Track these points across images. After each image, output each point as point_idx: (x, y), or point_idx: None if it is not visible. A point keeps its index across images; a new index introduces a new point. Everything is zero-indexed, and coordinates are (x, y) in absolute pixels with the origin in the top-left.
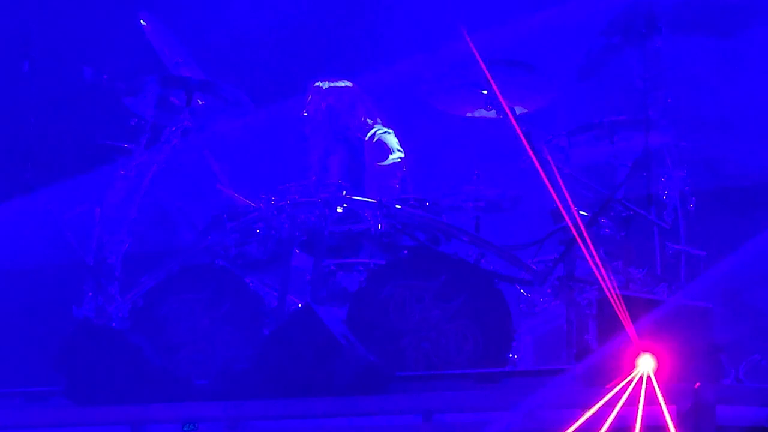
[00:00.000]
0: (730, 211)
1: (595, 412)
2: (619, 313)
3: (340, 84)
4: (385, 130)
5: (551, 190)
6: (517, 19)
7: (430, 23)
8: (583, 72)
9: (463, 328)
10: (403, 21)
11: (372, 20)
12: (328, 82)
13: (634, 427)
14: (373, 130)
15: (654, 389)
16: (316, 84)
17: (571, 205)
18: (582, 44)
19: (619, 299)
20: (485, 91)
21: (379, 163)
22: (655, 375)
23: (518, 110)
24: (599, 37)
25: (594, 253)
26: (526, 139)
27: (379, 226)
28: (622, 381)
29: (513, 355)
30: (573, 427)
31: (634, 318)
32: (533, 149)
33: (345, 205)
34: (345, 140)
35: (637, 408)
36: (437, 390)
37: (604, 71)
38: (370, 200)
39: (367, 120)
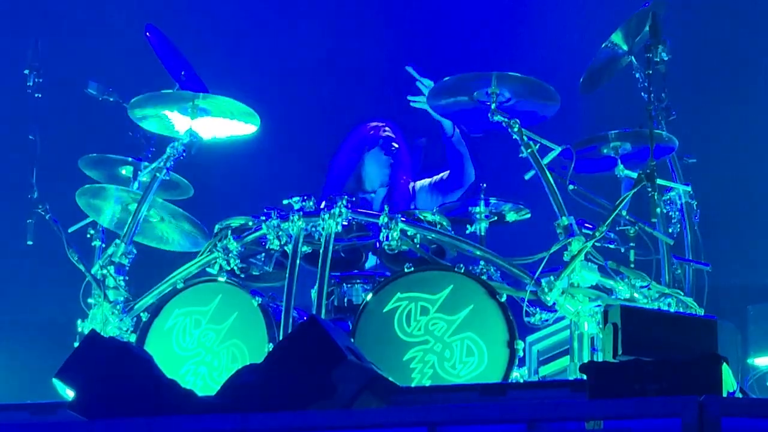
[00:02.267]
0: (735, 224)
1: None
2: (623, 325)
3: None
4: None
5: (556, 203)
6: (521, 32)
7: (434, 33)
8: (587, 84)
9: (468, 341)
10: (410, 32)
11: (378, 30)
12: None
13: None
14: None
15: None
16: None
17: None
18: (586, 57)
19: (624, 311)
20: (491, 104)
21: None
22: (658, 388)
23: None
24: (603, 50)
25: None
26: (531, 152)
27: (384, 238)
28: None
29: (518, 368)
30: None
31: (638, 330)
32: (538, 162)
33: (350, 218)
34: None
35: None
36: (442, 402)
37: (608, 84)
38: (374, 213)
39: None
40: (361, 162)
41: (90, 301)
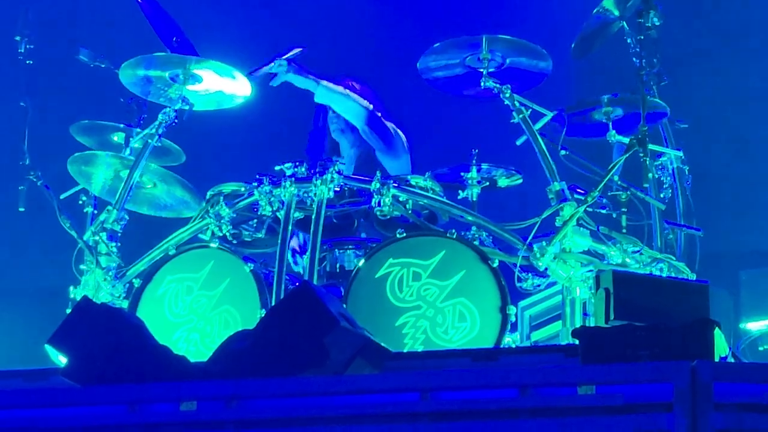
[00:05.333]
0: (727, 189)
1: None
2: (615, 291)
3: (357, 86)
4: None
5: (548, 168)
6: None
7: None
8: (578, 50)
9: (461, 306)
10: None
11: None
12: (356, 83)
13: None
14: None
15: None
16: (348, 83)
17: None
18: (578, 21)
19: (616, 276)
20: (483, 70)
21: None
22: (650, 353)
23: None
24: (595, 15)
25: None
26: (523, 117)
27: (376, 204)
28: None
29: (510, 333)
30: None
31: (630, 295)
32: (530, 128)
33: (342, 183)
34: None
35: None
36: (434, 368)
37: (599, 49)
38: (366, 178)
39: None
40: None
41: (82, 267)
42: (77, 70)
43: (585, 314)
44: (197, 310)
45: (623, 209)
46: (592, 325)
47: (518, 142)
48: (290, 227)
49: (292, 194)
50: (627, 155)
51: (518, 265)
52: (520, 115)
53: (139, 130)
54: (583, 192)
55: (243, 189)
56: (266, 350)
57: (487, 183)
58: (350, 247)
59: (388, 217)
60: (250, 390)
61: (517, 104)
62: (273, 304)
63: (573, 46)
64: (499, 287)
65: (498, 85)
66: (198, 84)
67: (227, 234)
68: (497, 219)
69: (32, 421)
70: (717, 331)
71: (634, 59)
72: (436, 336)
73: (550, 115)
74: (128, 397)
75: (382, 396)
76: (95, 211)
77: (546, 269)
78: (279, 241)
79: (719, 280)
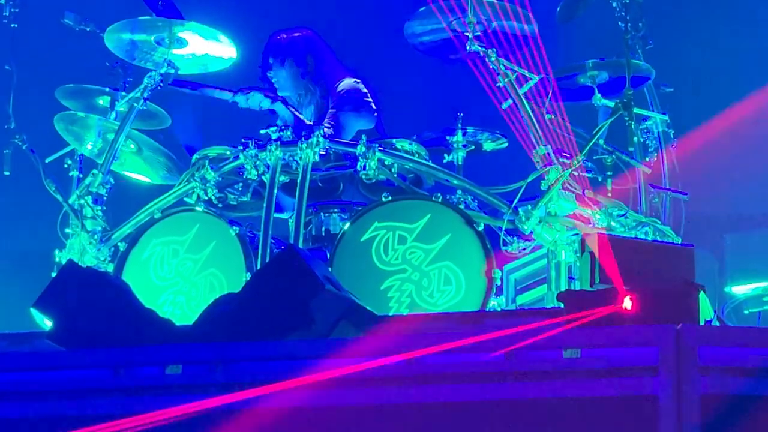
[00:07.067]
0: (712, 153)
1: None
2: (601, 254)
3: (297, 34)
4: (354, 80)
5: (534, 132)
6: None
7: None
8: (564, 14)
9: (446, 270)
10: None
11: None
12: (285, 33)
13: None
14: (344, 81)
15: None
16: (276, 37)
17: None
18: None
19: (601, 240)
20: (468, 34)
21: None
22: (636, 316)
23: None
24: None
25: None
26: (509, 81)
27: (361, 167)
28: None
29: (495, 296)
30: None
31: (616, 258)
32: (516, 92)
33: (327, 147)
34: (312, 92)
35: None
36: (419, 331)
37: (585, 13)
38: (352, 142)
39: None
40: None
41: (67, 231)
42: (63, 33)
43: (570, 278)
44: (183, 274)
45: (608, 173)
46: (577, 288)
47: (504, 106)
48: (275, 191)
49: (277, 158)
50: (612, 119)
51: (504, 228)
52: (506, 79)
53: (124, 93)
54: (568, 156)
55: (228, 153)
56: (251, 314)
57: (473, 147)
58: (336, 210)
59: (374, 180)
60: (235, 353)
61: (502, 68)
62: (258, 267)
63: (558, 9)
64: (484, 251)
65: (484, 49)
66: (183, 47)
67: (213, 197)
68: (482, 183)
69: (17, 384)
70: (702, 294)
71: (619, 23)
72: (421, 299)
73: (535, 78)
74: (113, 360)
75: (367, 360)
76: (80, 175)
77: (531, 233)
78: (264, 205)
79: (704, 244)
